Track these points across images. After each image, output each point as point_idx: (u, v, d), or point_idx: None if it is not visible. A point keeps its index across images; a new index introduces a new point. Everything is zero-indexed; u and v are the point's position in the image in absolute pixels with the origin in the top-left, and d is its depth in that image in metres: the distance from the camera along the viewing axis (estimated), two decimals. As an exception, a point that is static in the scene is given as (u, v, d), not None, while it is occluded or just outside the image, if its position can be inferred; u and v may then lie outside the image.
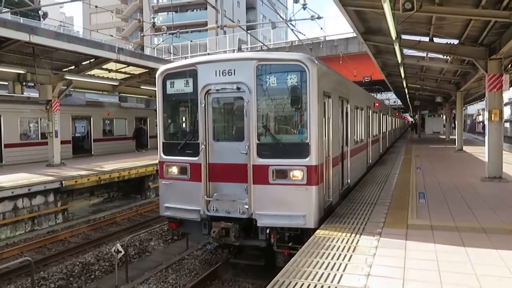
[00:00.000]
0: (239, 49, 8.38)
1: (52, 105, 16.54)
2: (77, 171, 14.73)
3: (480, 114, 49.74)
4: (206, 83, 7.13)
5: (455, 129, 28.08)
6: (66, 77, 16.34)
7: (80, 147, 21.98)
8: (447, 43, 12.39)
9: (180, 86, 7.53)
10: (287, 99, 6.93)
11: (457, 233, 6.20)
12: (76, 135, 22.60)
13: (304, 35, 20.65)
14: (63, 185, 12.98)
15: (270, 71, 6.87)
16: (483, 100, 27.33)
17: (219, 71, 7.03)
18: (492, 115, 11.25)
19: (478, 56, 11.65)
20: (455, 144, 22.32)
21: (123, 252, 7.75)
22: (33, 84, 15.51)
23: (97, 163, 17.40)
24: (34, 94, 18.10)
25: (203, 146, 7.14)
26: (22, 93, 16.36)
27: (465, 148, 21.93)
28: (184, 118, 8.16)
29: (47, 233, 11.73)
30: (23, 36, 11.85)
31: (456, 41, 12.05)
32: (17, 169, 15.33)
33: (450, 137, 31.08)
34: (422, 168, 14.24)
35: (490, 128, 11.40)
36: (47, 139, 17.01)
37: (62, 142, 17.73)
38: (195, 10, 55.83)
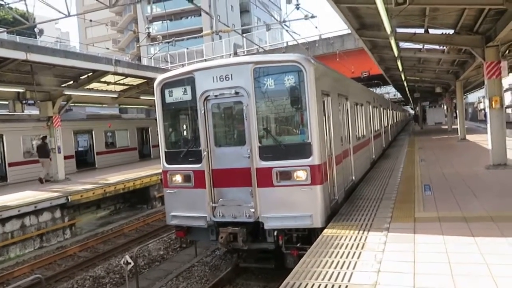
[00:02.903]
0: (235, 54, 8.38)
1: (53, 121, 16.62)
2: (82, 185, 14.77)
3: (481, 102, 49.55)
4: (204, 89, 7.14)
5: (456, 118, 28.01)
6: (66, 93, 16.42)
7: (84, 161, 22.07)
8: (442, 33, 12.38)
9: (178, 94, 7.55)
10: (286, 100, 6.94)
11: (465, 223, 6.17)
12: (79, 149, 22.68)
13: (299, 35, 20.72)
14: (69, 200, 13.02)
15: (267, 73, 6.88)
16: (483, 88, 27.28)
17: (217, 76, 7.05)
18: (493, 102, 11.22)
19: (474, 44, 11.64)
20: (457, 134, 22.26)
21: (132, 263, 7.74)
22: (33, 102, 15.60)
23: (101, 176, 17.45)
24: (34, 111, 18.19)
25: (205, 153, 7.14)
26: (23, 111, 16.45)
27: (468, 137, 21.87)
28: (184, 126, 8.17)
29: (56, 249, 11.77)
30: (20, 55, 11.93)
31: (451, 31, 12.04)
32: (22, 187, 15.39)
33: (452, 127, 31.00)
34: (426, 160, 14.20)
35: (492, 116, 11.37)
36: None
37: (66, 157, 17.80)
38: (189, 17, 55.96)
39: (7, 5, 12.69)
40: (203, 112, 7.17)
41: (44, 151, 16.82)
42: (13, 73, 14.29)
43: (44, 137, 17.07)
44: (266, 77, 6.87)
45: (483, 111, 46.25)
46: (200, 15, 52.02)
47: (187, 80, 7.40)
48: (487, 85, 11.37)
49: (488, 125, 11.56)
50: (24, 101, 15.36)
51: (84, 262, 10.41)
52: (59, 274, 9.64)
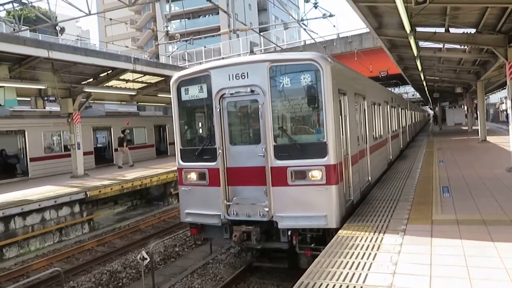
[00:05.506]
0: (251, 52, 8.34)
1: (73, 118, 16.93)
2: (100, 181, 15.02)
3: (503, 103, 48.26)
4: (220, 87, 7.15)
5: (477, 119, 27.38)
6: (85, 90, 16.71)
7: (102, 157, 22.43)
8: (464, 32, 12.13)
9: (194, 92, 7.58)
10: (302, 99, 6.89)
11: (484, 227, 6.04)
12: (98, 145, 23.05)
13: (317, 33, 20.60)
14: (88, 196, 13.26)
15: (284, 72, 6.85)
16: (505, 88, 26.55)
17: (233, 75, 7.05)
18: (515, 104, 10.94)
19: (497, 44, 11.37)
20: (478, 135, 21.77)
21: (148, 259, 7.83)
22: (54, 98, 15.92)
23: (119, 172, 17.70)
24: (55, 108, 18.57)
25: (220, 151, 7.16)
26: (44, 108, 16.81)
27: (488, 138, 21.37)
28: (200, 124, 8.20)
29: (74, 243, 12.01)
30: (42, 53, 12.19)
31: (473, 30, 11.78)
32: (43, 182, 15.74)
33: (473, 128, 30.31)
34: (445, 161, 13.95)
35: (514, 117, 11.09)
36: (70, 151, 17.43)
37: (85, 153, 18.14)
38: (207, 16, 56.27)
39: (30, 4, 12.95)
40: (218, 110, 7.19)
41: (120, 141, 20.24)
42: (35, 70, 14.61)
43: (124, 130, 20.87)
44: (282, 76, 6.84)
45: (505, 112, 45.06)
46: (218, 13, 52.20)
47: (203, 78, 7.42)
48: (510, 85, 11.08)
49: (510, 126, 11.28)
50: (45, 98, 15.68)
51: (102, 256, 10.60)
52: (77, 268, 9.85)
